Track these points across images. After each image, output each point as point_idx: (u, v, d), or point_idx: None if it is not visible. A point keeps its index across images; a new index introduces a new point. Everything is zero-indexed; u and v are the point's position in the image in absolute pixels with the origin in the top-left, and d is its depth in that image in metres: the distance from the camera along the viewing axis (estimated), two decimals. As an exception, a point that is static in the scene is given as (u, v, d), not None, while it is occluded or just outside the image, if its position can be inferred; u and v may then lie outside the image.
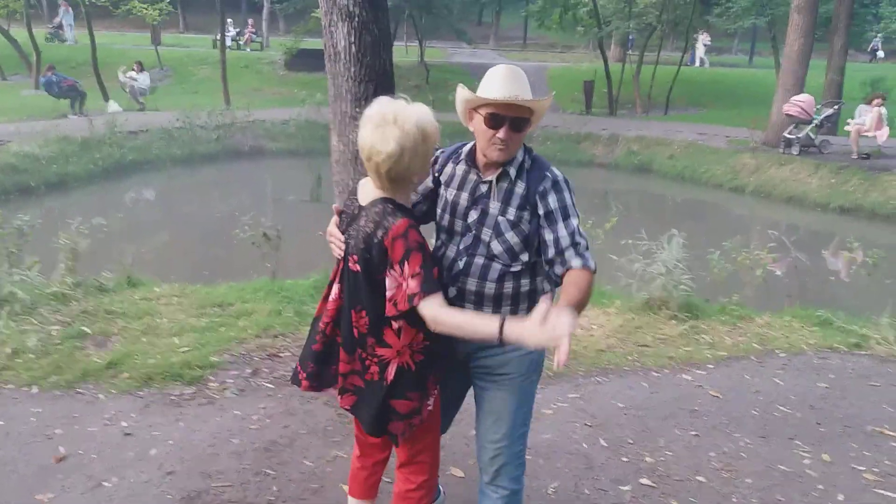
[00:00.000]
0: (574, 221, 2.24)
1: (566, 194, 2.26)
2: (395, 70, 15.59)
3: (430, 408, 2.32)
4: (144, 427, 3.59)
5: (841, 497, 3.26)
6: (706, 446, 3.64)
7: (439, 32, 30.57)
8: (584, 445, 3.59)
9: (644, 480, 3.31)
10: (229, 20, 27.97)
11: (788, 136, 14.35)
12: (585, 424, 3.80)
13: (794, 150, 14.22)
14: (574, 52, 34.25)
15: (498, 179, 2.28)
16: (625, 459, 3.48)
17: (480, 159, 2.31)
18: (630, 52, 25.21)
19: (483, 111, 2.24)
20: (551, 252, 2.22)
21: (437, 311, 2.06)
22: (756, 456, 3.57)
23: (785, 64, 15.02)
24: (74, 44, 23.51)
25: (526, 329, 1.91)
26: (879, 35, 30.31)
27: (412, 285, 2.07)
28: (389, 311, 2.14)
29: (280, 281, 5.84)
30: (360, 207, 2.25)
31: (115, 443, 3.44)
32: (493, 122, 2.20)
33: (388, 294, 2.12)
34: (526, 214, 2.24)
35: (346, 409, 2.39)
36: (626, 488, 3.24)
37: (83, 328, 4.63)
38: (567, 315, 1.86)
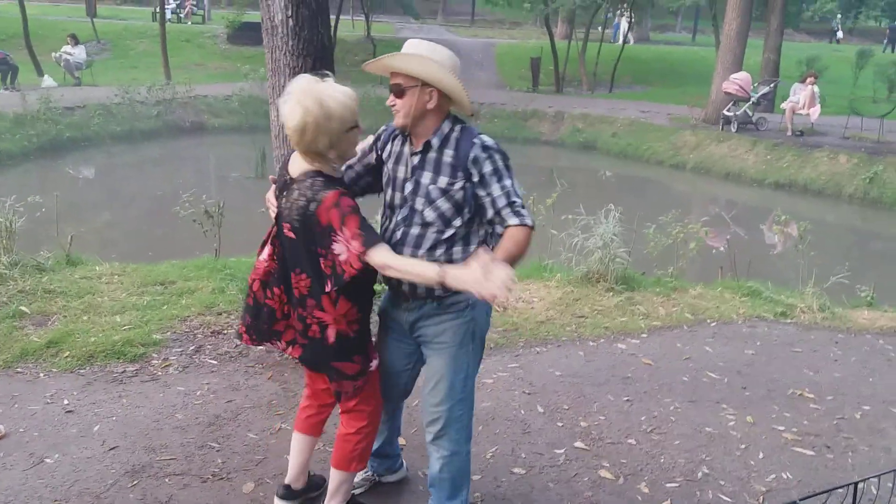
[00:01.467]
0: (508, 182, 2.36)
1: (497, 157, 2.38)
2: (342, 45, 15.60)
3: (372, 368, 2.52)
4: (87, 405, 3.59)
5: (761, 455, 3.48)
6: (637, 411, 3.82)
7: (386, 6, 30.32)
8: (522, 412, 3.73)
9: (578, 444, 3.46)
10: (170, -9, 27.20)
11: (727, 113, 14.77)
12: (524, 392, 3.94)
13: (733, 128, 14.66)
14: (522, 28, 34.36)
15: (424, 150, 2.38)
16: (560, 424, 3.63)
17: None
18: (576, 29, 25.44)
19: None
20: (490, 213, 2.35)
21: (384, 257, 2.19)
22: (684, 419, 3.77)
23: (723, 42, 15.41)
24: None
25: (466, 275, 2.05)
26: (839, 16, 31.29)
27: (356, 245, 2.19)
28: (349, 271, 2.24)
29: (224, 259, 5.83)
30: (292, 179, 2.35)
31: (56, 420, 3.43)
32: (390, 91, 2.39)
33: (343, 258, 2.24)
34: (458, 182, 2.34)
35: (297, 359, 2.57)
36: (560, 451, 3.39)
37: (21, 308, 4.55)
38: (503, 267, 2.00)
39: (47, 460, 3.12)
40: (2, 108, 13.07)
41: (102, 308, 4.70)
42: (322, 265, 2.30)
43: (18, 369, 3.90)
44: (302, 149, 2.28)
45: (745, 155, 13.66)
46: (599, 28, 23.69)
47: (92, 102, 14.53)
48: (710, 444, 3.54)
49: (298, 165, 2.35)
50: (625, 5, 22.19)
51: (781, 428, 3.74)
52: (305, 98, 2.21)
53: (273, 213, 2.45)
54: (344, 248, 2.23)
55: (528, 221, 2.32)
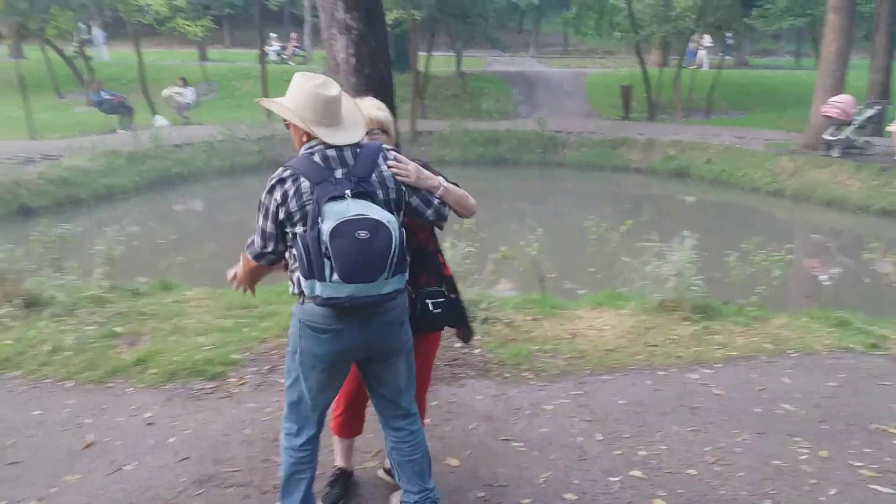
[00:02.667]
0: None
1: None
2: (433, 81, 16.12)
3: None
4: (166, 418, 3.84)
5: (833, 491, 3.30)
6: (702, 441, 3.71)
7: (477, 41, 30.82)
8: (580, 439, 3.70)
9: (635, 472, 3.40)
10: (274, 35, 28.74)
11: (828, 137, 14.10)
12: (584, 419, 3.91)
13: (835, 153, 13.97)
14: (615, 57, 34.10)
15: None
16: (618, 452, 3.58)
17: None
18: (671, 56, 25.05)
19: None
20: None
21: None
22: (751, 451, 3.63)
23: (822, 65, 14.78)
24: (107, 60, 24.07)
25: None
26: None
27: None
28: None
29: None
30: None
31: (137, 432, 3.69)
32: None
33: None
34: None
35: None
36: (615, 479, 3.34)
37: (116, 328, 4.93)
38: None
39: (126, 467, 3.36)
40: (118, 147, 14.15)
41: (188, 329, 5.01)
42: None
43: (109, 384, 4.22)
44: None
45: (849, 181, 12.97)
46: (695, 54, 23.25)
47: (198, 140, 15.50)
48: (778, 477, 3.40)
49: None
50: (704, 32, 21.62)
51: (859, 464, 3.53)
52: None
53: None
54: None
55: (248, 251, 2.68)
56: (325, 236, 2.32)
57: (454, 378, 4.38)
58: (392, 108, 4.17)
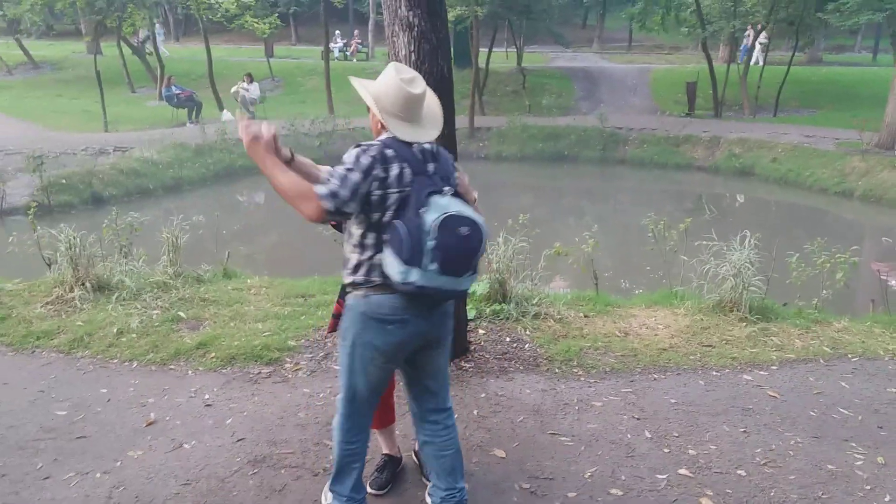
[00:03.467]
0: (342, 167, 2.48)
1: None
2: (493, 76, 16.14)
3: None
4: (224, 400, 3.99)
5: (888, 498, 3.22)
6: (753, 443, 3.65)
7: (539, 37, 30.63)
8: (629, 436, 3.69)
9: (683, 471, 3.38)
10: (337, 32, 29.18)
11: (904, 137, 13.53)
12: (633, 417, 3.89)
13: (910, 153, 13.41)
14: (681, 53, 33.35)
15: None
16: (667, 451, 3.56)
17: None
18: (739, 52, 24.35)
19: None
20: None
21: None
22: (805, 454, 3.55)
23: (901, 61, 14.15)
24: (166, 55, 24.60)
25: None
26: None
27: None
28: None
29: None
30: None
31: (196, 412, 3.85)
32: None
33: None
34: None
35: None
36: (662, 476, 3.33)
37: (179, 313, 5.14)
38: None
39: (185, 446, 3.52)
40: (186, 140, 14.65)
41: (248, 316, 5.18)
42: None
43: (171, 366, 4.41)
44: None
45: (924, 182, 12.43)
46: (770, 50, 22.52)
47: (262, 134, 15.85)
48: (830, 482, 3.32)
49: None
50: (759, 27, 20.86)
51: (918, 472, 3.43)
52: None
53: None
54: None
55: (319, 189, 2.40)
56: (430, 226, 2.38)
57: (503, 372, 4.41)
58: (451, 104, 4.24)
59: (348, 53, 29.23)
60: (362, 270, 2.55)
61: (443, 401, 2.85)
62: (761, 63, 22.50)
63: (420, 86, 2.56)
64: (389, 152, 2.48)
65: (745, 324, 5.26)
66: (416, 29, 3.88)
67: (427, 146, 2.58)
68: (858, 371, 4.59)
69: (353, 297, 2.62)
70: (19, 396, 4.02)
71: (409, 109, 2.55)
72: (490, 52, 21.42)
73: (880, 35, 30.68)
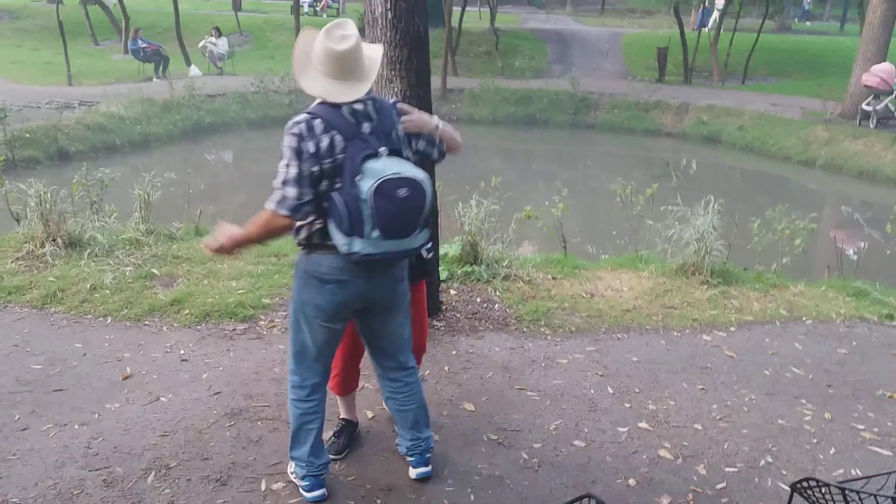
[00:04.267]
0: (280, 162, 2.52)
1: (285, 137, 2.52)
2: (466, 36, 15.98)
3: None
4: (199, 355, 4.06)
5: (832, 450, 3.43)
6: (710, 399, 3.85)
7: (514, -3, 30.36)
8: (592, 391, 3.86)
9: (642, 424, 3.56)
10: (308, -15, 28.55)
11: (866, 107, 13.84)
12: (597, 374, 4.06)
13: (871, 123, 13.72)
14: (654, 17, 33.34)
15: None
16: (627, 405, 3.73)
17: None
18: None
19: None
20: None
21: None
22: (757, 410, 3.76)
23: (866, 31, 14.41)
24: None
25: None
26: None
27: None
28: None
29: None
30: None
31: (172, 367, 3.92)
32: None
33: None
34: None
35: None
36: (623, 430, 3.50)
37: (153, 270, 5.16)
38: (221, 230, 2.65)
39: (162, 399, 3.59)
40: (153, 95, 14.38)
41: (221, 274, 5.22)
42: None
43: (146, 322, 4.46)
44: None
45: (883, 152, 12.75)
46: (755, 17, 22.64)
47: (231, 91, 15.64)
48: (780, 435, 3.53)
49: None
50: None
51: (861, 427, 3.65)
52: None
53: None
54: None
55: (269, 205, 2.48)
56: (366, 195, 2.37)
57: (473, 330, 4.55)
58: (427, 64, 4.27)
59: (318, 9, 28.69)
60: (303, 233, 2.58)
61: (403, 361, 2.92)
62: (718, 29, 22.73)
63: (346, 42, 2.47)
64: (316, 123, 2.46)
65: (706, 287, 5.45)
66: (392, -12, 3.90)
67: (359, 106, 2.51)
68: (811, 333, 4.82)
69: (298, 255, 2.69)
70: (-7, 350, 4.04)
71: (335, 67, 2.48)
72: (463, 11, 21.21)
73: (848, 4, 31.03)
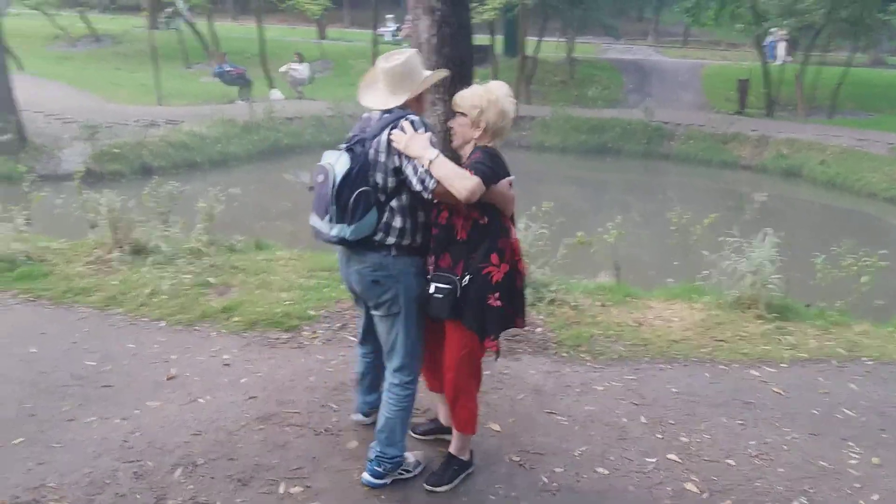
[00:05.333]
0: None
1: None
2: (542, 66, 16.12)
3: None
4: (241, 361, 4.21)
5: (876, 497, 3.25)
6: (748, 435, 3.70)
7: (594, 28, 30.32)
8: (624, 420, 3.78)
9: (672, 456, 3.46)
10: (390, 15, 29.37)
11: (960, 145, 13.13)
12: (632, 403, 3.97)
13: (967, 161, 13.00)
14: (738, 50, 32.64)
15: None
16: (659, 436, 3.64)
17: None
18: (797, 51, 23.71)
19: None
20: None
21: None
22: (798, 450, 3.59)
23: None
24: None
25: None
26: None
27: None
28: None
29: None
30: None
31: (215, 370, 4.07)
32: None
33: None
34: None
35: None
36: (651, 460, 3.41)
37: (209, 279, 5.38)
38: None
39: (200, 400, 3.74)
40: (234, 116, 15.04)
41: (273, 285, 5.40)
42: None
43: (196, 327, 4.65)
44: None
45: (979, 192, 12.05)
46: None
47: (308, 114, 16.20)
48: (820, 477, 3.37)
49: None
50: (785, 24, 20.24)
51: (912, 474, 3.44)
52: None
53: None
54: None
55: None
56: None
57: (511, 352, 4.53)
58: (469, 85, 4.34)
59: (399, 37, 29.39)
60: None
61: (388, 367, 3.05)
62: (785, 61, 22.10)
63: (381, 62, 2.88)
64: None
65: (761, 321, 5.26)
66: (437, 13, 4.01)
67: (375, 114, 2.92)
68: (871, 374, 4.58)
69: None
70: (54, 346, 4.29)
71: (370, 79, 2.98)
72: (540, 41, 21.34)
73: (950, 38, 29.51)
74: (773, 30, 22.46)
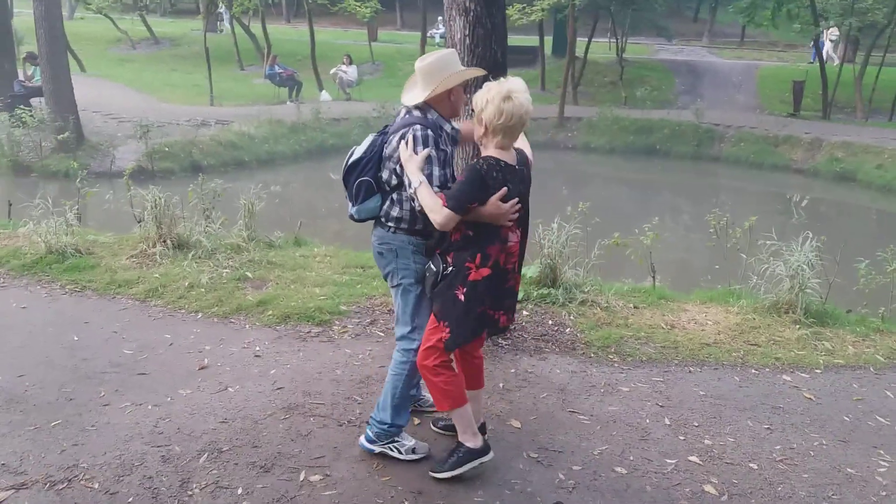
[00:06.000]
0: None
1: None
2: (592, 66, 16.10)
3: None
4: (272, 353, 4.32)
5: (903, 505, 3.16)
6: (774, 440, 3.64)
7: (646, 29, 29.93)
8: (647, 421, 3.75)
9: (693, 458, 3.43)
10: (439, 18, 29.48)
11: None
12: (657, 404, 3.94)
13: None
14: (796, 51, 31.77)
15: None
16: (682, 438, 3.60)
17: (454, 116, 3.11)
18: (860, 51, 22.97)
19: (460, 85, 3.07)
20: None
21: None
22: (825, 456, 3.52)
23: None
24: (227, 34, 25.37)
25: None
26: None
27: None
28: None
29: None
30: (515, 167, 2.95)
31: (246, 361, 4.20)
32: (466, 90, 3.24)
33: None
34: None
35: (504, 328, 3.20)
36: (671, 461, 3.39)
37: (246, 273, 5.54)
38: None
39: (230, 389, 3.86)
40: (283, 117, 15.35)
41: (308, 280, 5.52)
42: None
43: (231, 319, 4.79)
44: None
45: None
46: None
47: (354, 115, 16.41)
48: (846, 483, 3.29)
49: (509, 156, 2.94)
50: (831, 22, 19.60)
51: (944, 485, 3.34)
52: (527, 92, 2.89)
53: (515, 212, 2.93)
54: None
55: None
56: None
57: (538, 351, 4.54)
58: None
59: (446, 37, 29.48)
60: None
61: (397, 333, 3.25)
62: (836, 62, 21.35)
63: (417, 62, 3.06)
64: None
65: (797, 326, 5.15)
66: (471, 14, 4.05)
67: (402, 112, 3.12)
68: (910, 382, 4.44)
69: None
70: (96, 334, 4.49)
71: (411, 79, 3.17)
72: (589, 41, 21.17)
73: None
74: (819, 30, 21.86)
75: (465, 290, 2.93)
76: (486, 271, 2.92)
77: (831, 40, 22.57)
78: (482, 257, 2.91)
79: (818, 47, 21.08)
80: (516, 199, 2.89)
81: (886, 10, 18.64)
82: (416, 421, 3.61)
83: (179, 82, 20.22)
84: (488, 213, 2.85)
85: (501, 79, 2.91)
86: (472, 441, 3.14)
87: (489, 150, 2.91)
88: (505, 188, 2.85)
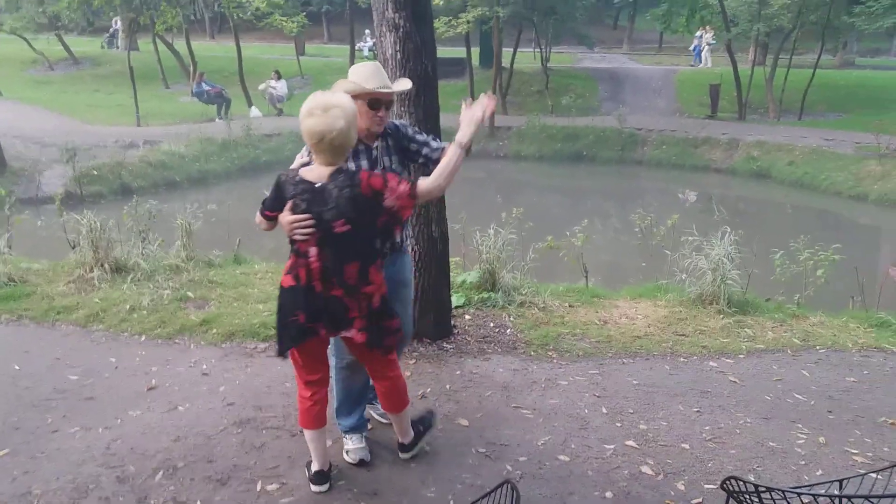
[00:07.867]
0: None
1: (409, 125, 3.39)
2: (518, 76, 16.46)
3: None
4: (220, 371, 4.37)
5: (819, 472, 3.45)
6: (703, 421, 3.91)
7: (567, 38, 30.75)
8: (586, 411, 3.97)
9: (630, 442, 3.66)
10: (367, 31, 29.61)
11: (922, 141, 13.52)
12: (594, 395, 4.17)
13: (929, 157, 13.38)
14: (711, 55, 33.19)
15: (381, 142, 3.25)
16: (618, 425, 3.84)
17: (362, 133, 3.09)
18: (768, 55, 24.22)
19: (365, 98, 3.07)
20: (426, 150, 3.27)
21: (430, 181, 2.88)
22: (750, 433, 3.80)
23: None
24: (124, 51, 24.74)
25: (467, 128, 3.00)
26: None
27: (403, 188, 2.80)
28: (407, 211, 2.89)
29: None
30: (319, 188, 2.82)
31: (194, 380, 4.23)
32: (376, 105, 3.12)
33: (397, 205, 2.82)
34: (398, 157, 3.29)
35: (362, 343, 2.98)
36: (610, 447, 3.61)
37: (188, 293, 5.54)
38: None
39: (180, 408, 3.89)
40: (213, 135, 15.19)
41: (251, 297, 5.56)
42: (381, 224, 2.85)
43: (176, 340, 4.81)
44: (340, 146, 2.81)
45: (940, 187, 12.42)
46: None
47: (286, 130, 16.35)
48: (768, 456, 3.57)
49: (318, 173, 2.83)
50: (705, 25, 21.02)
51: (855, 451, 3.65)
52: (343, 104, 2.80)
53: (306, 229, 2.82)
54: (394, 197, 2.79)
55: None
56: None
57: (481, 353, 4.72)
58: (436, 102, 4.54)
59: (377, 52, 29.63)
60: None
61: None
62: (709, 64, 22.72)
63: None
64: None
65: (721, 316, 5.49)
66: (401, 30, 4.21)
67: None
68: (823, 361, 4.81)
69: None
70: (38, 362, 4.44)
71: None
72: (514, 52, 21.64)
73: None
74: (697, 34, 23.19)
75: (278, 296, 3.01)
76: (287, 279, 2.92)
77: (709, 44, 23.96)
78: (288, 266, 2.94)
79: (728, 52, 22.09)
80: (306, 216, 2.81)
81: (791, 15, 19.75)
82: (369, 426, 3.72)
83: (103, 103, 19.72)
84: (282, 224, 2.92)
85: (328, 90, 2.94)
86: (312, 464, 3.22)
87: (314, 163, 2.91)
88: (292, 202, 2.86)
